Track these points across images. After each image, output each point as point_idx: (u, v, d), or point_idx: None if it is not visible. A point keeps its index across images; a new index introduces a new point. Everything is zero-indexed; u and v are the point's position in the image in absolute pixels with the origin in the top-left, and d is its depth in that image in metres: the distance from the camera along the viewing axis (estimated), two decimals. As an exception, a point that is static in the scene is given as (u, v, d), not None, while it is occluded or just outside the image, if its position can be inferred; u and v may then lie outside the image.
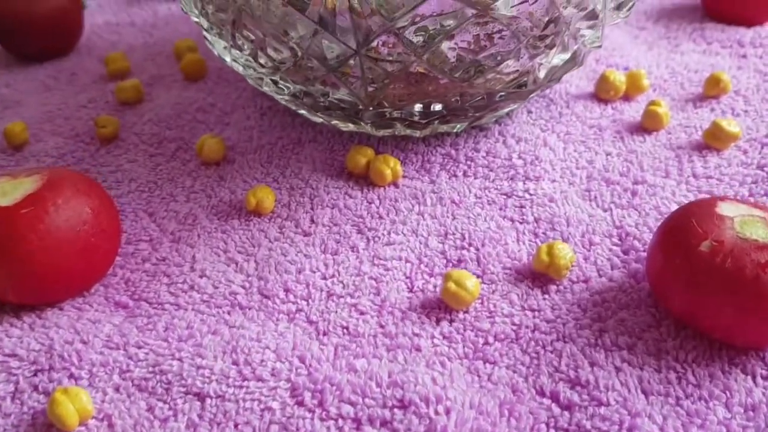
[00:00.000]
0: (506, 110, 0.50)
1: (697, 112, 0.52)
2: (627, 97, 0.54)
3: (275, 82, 0.47)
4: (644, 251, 0.40)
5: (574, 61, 0.47)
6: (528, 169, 0.47)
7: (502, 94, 0.46)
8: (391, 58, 0.42)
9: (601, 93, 0.53)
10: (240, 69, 0.48)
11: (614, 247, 0.41)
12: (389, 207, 0.44)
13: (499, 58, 0.43)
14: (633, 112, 0.52)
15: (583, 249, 0.41)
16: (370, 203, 0.45)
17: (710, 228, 0.34)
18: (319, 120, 0.50)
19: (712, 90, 0.53)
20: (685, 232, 0.34)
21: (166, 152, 0.50)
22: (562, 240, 0.41)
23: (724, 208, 0.35)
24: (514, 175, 0.47)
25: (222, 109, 0.55)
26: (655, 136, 0.50)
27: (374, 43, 0.42)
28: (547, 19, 0.42)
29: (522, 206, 0.44)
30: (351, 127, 0.50)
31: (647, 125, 0.50)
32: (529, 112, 0.53)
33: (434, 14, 0.39)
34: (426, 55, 0.42)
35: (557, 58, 0.46)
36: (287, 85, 0.47)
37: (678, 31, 0.63)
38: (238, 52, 0.46)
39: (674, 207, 0.43)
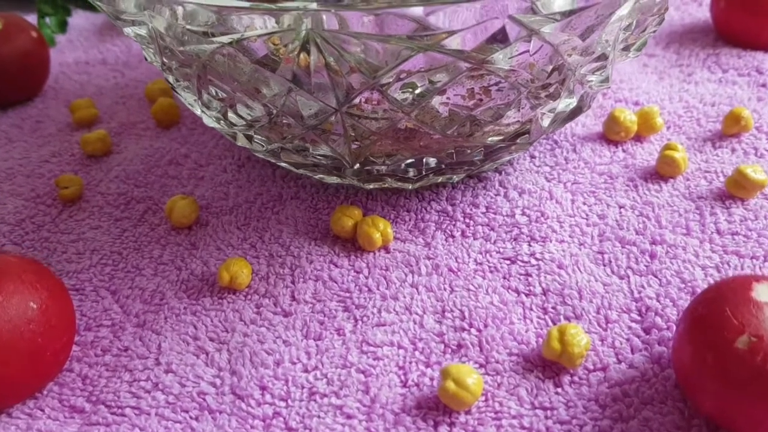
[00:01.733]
0: (507, 158, 0.45)
1: (717, 154, 0.47)
2: (639, 138, 0.49)
3: (249, 138, 0.42)
4: (667, 329, 0.35)
5: (581, 107, 0.42)
6: (533, 227, 0.42)
7: (502, 145, 0.42)
8: (375, 116, 0.38)
9: (611, 134, 0.48)
10: (211, 123, 0.43)
11: (633, 325, 0.36)
12: (379, 278, 0.40)
13: (497, 112, 0.38)
14: (646, 154, 0.48)
15: (598, 328, 0.36)
16: (358, 273, 0.40)
17: (747, 319, 0.29)
18: (302, 172, 0.46)
19: (732, 128, 0.48)
20: (717, 323, 0.30)
21: (134, 215, 0.46)
22: (575, 316, 0.37)
23: (761, 292, 0.31)
24: (517, 235, 0.42)
25: (196, 161, 0.50)
26: (672, 184, 0.45)
27: (356, 100, 0.37)
28: (550, 68, 0.37)
29: (528, 274, 0.39)
30: (336, 179, 0.45)
31: (663, 172, 0.45)
32: (533, 157, 0.48)
33: (421, 70, 0.35)
34: (415, 112, 0.37)
35: (562, 104, 0.41)
36: (263, 141, 0.42)
37: (690, 57, 0.58)
38: (206, 108, 0.41)
39: (698, 272, 0.39)
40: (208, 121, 0.43)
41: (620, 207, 0.44)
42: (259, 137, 0.42)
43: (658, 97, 0.53)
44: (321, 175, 0.44)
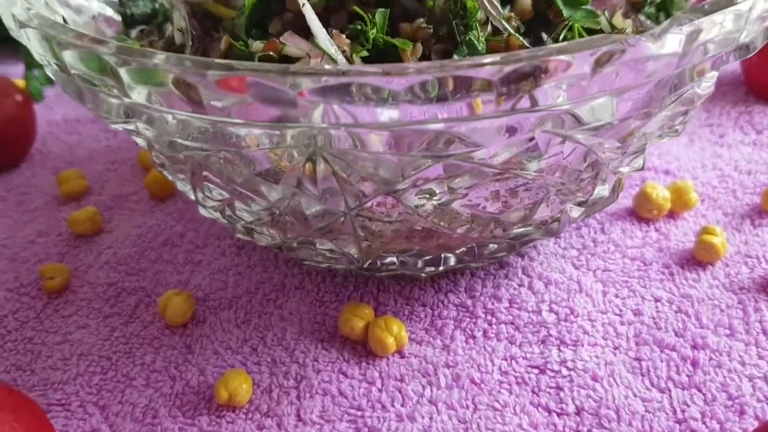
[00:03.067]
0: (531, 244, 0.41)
1: (758, 234, 0.43)
2: (672, 214, 0.45)
3: (249, 232, 0.39)
4: (719, 460, 0.32)
5: (613, 196, 0.39)
6: (562, 328, 0.38)
7: (528, 238, 0.38)
8: (389, 219, 0.34)
9: (642, 212, 0.45)
10: (207, 214, 0.40)
11: (680, 454, 0.32)
12: (394, 391, 0.36)
13: (525, 213, 0.34)
14: (681, 234, 0.44)
15: (641, 459, 0.32)
16: (370, 384, 0.36)
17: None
18: (307, 263, 0.42)
19: (774, 204, 0.44)
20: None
21: (124, 311, 0.42)
22: (614, 444, 0.33)
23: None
24: (545, 337, 0.38)
25: (192, 241, 0.47)
26: (711, 272, 0.41)
27: (368, 204, 0.33)
28: (583, 166, 0.33)
29: (559, 387, 0.35)
30: (345, 266, 0.41)
31: (701, 257, 0.42)
32: (558, 238, 0.44)
33: (440, 177, 0.31)
34: (433, 217, 0.33)
35: (594, 194, 0.37)
36: (264, 237, 0.38)
37: (721, 116, 0.54)
38: (202, 202, 0.37)
39: (745, 385, 0.35)
40: (204, 213, 0.39)
41: (656, 300, 0.40)
42: (260, 232, 0.38)
43: (689, 165, 0.49)
44: (328, 264, 0.40)
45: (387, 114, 0.26)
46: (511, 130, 0.27)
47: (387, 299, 0.41)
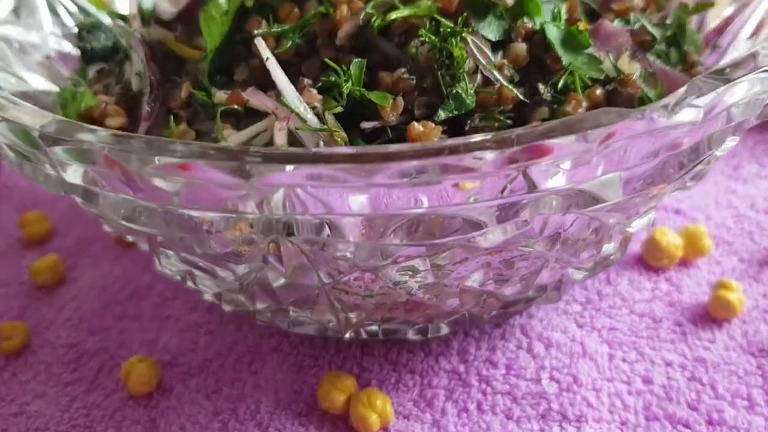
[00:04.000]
0: (529, 303, 0.38)
1: (778, 284, 0.40)
2: (684, 262, 0.41)
3: (218, 297, 0.35)
4: None
5: (621, 251, 0.35)
6: (564, 400, 0.35)
7: (525, 303, 0.34)
8: (369, 293, 0.30)
9: (652, 260, 0.41)
10: (172, 276, 0.36)
11: None
12: (378, 478, 0.32)
13: (522, 284, 0.31)
14: (694, 285, 0.40)
15: None
16: (351, 470, 0.33)
17: None
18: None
19: (796, 251, 0.41)
20: None
21: (86, 377, 0.38)
22: None
23: None
24: (546, 411, 0.35)
25: (161, 293, 0.43)
26: (727, 331, 0.38)
27: (344, 279, 0.29)
28: (587, 233, 0.29)
29: (560, 474, 0.32)
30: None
31: (716, 314, 0.38)
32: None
33: (423, 255, 0.27)
34: (418, 291, 0.30)
35: (599, 254, 0.33)
36: (233, 304, 0.35)
37: (736, 146, 0.50)
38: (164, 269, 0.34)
39: (771, 472, 0.31)
40: (168, 273, 0.35)
41: (667, 365, 0.36)
42: (228, 299, 0.34)
43: (702, 202, 0.46)
44: (304, 331, 0.37)
45: (358, 201, 0.22)
46: (502, 217, 0.23)
47: (372, 364, 0.37)
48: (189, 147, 0.22)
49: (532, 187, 0.22)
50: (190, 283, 0.33)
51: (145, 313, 0.42)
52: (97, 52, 0.40)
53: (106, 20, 0.42)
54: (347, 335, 0.34)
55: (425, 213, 0.23)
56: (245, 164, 0.21)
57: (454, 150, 0.20)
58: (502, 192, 0.22)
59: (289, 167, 0.21)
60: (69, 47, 0.41)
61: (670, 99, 0.22)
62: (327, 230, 0.24)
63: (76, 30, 0.41)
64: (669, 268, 0.41)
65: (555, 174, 0.23)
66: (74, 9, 0.42)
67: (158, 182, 0.23)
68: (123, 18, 0.39)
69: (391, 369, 0.37)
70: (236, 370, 0.38)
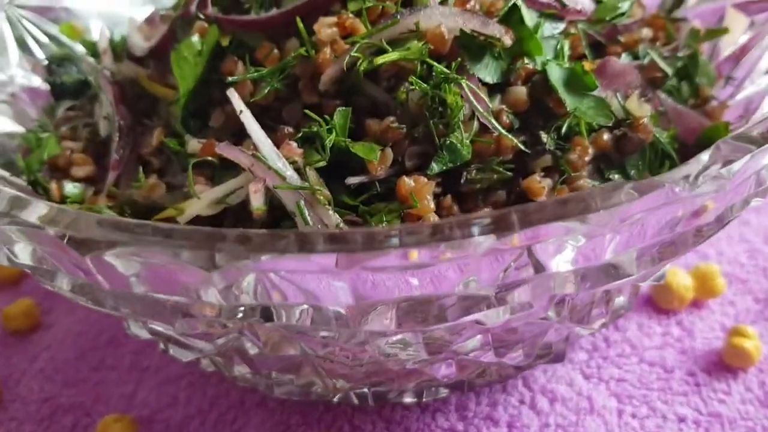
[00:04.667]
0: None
1: (796, 328, 0.37)
2: (696, 303, 0.39)
3: (197, 358, 0.33)
4: None
5: (631, 302, 0.32)
6: (570, 464, 0.32)
7: (528, 366, 0.32)
8: (359, 363, 0.28)
9: (662, 303, 0.39)
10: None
11: None
12: None
13: (527, 349, 0.28)
14: (707, 330, 0.38)
15: None
16: None
17: None
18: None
19: (814, 291, 0.38)
20: None
21: (58, 437, 0.36)
22: None
23: None
24: (551, 477, 0.32)
25: (140, 341, 0.40)
26: (744, 381, 0.35)
27: (329, 350, 0.27)
28: (596, 298, 0.27)
29: None
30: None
31: (731, 362, 0.36)
32: (563, 336, 0.38)
33: (415, 330, 0.24)
34: (412, 363, 0.27)
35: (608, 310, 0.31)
36: (211, 363, 0.32)
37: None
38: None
39: None
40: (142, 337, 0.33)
41: (680, 420, 0.34)
42: (207, 363, 0.32)
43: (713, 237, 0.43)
44: (288, 396, 0.34)
45: (341, 288, 0.20)
46: (502, 300, 0.21)
47: (364, 422, 0.35)
48: (145, 229, 0.19)
49: (538, 267, 0.20)
50: (162, 346, 0.31)
51: (123, 363, 0.39)
52: (67, 87, 0.38)
53: (79, 48, 0.39)
54: (336, 398, 0.31)
55: (417, 296, 0.21)
56: (216, 255, 0.18)
57: (447, 237, 0.18)
58: (505, 272, 0.20)
59: (264, 257, 0.18)
60: (38, 82, 0.38)
61: (692, 168, 0.20)
62: (309, 315, 0.21)
63: (45, 62, 0.39)
64: (680, 310, 0.39)
65: (563, 250, 0.20)
66: (45, 40, 0.40)
67: (113, 262, 0.20)
68: (94, 52, 0.36)
69: (384, 428, 0.35)
70: (217, 428, 0.35)
